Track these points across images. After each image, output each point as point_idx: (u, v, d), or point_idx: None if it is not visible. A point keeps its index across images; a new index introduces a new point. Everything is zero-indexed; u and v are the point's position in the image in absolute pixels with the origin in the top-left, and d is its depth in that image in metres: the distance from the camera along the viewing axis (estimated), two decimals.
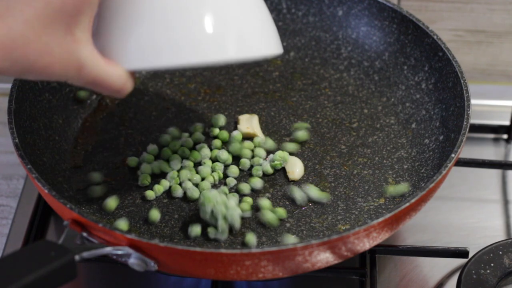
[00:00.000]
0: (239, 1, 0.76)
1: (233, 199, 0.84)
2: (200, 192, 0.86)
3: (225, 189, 0.87)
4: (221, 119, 0.94)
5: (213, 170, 0.89)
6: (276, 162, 0.89)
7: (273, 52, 0.78)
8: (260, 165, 0.90)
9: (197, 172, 0.89)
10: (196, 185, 0.88)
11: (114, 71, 0.72)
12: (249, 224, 0.85)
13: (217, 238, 0.82)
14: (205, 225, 0.83)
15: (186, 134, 0.93)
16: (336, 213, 0.86)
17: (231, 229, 0.83)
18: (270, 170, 0.89)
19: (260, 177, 0.88)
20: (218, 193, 0.82)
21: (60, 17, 0.66)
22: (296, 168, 0.90)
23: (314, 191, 0.86)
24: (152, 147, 0.91)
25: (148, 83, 0.99)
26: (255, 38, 0.76)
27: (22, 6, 0.65)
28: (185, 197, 0.87)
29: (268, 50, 0.77)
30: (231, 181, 0.88)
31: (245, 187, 0.87)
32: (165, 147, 0.91)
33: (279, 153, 0.90)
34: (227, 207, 0.81)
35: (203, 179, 0.88)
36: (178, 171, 0.89)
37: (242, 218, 0.84)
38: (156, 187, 0.87)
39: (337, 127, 0.95)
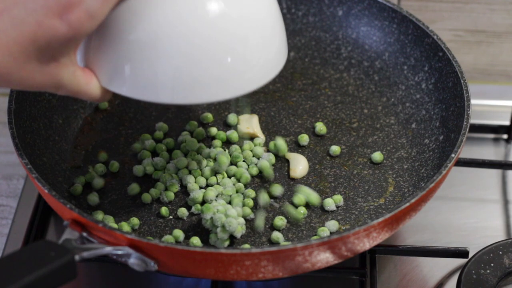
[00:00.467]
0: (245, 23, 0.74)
1: (236, 208, 0.84)
2: (202, 198, 0.86)
3: (228, 191, 0.87)
4: (233, 118, 0.94)
5: (216, 172, 0.89)
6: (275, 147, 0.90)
7: (277, 71, 0.77)
8: (256, 164, 0.90)
9: (201, 174, 0.89)
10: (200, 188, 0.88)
11: (92, 89, 0.73)
12: (249, 224, 0.85)
13: (216, 245, 0.82)
14: (206, 233, 0.83)
15: (186, 133, 0.93)
16: (336, 213, 0.86)
17: (232, 237, 0.83)
18: (266, 167, 0.89)
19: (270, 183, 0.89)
20: (220, 203, 0.82)
21: (45, 51, 0.67)
22: (299, 165, 0.90)
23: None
24: (148, 143, 0.91)
25: None
26: (241, 74, 0.74)
27: (8, 41, 0.66)
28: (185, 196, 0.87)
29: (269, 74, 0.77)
30: (241, 188, 0.88)
31: (251, 193, 0.87)
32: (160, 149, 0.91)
33: (278, 141, 0.90)
34: (227, 215, 0.81)
35: (208, 185, 0.88)
36: (177, 173, 0.89)
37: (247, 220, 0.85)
38: (153, 191, 0.87)
39: (337, 127, 0.95)
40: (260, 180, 0.89)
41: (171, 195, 0.86)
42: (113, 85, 0.73)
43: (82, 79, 0.72)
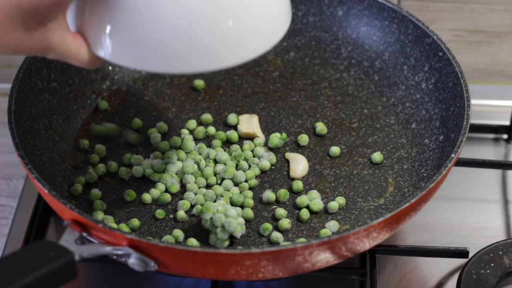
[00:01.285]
0: None
1: (236, 208, 0.84)
2: (202, 204, 0.86)
3: (227, 193, 0.86)
4: (233, 118, 0.94)
5: (215, 173, 0.89)
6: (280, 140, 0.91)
7: (282, 32, 0.75)
8: (257, 164, 0.90)
9: (201, 175, 0.89)
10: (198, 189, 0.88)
11: (82, 53, 0.72)
12: (249, 224, 0.85)
13: (216, 245, 0.82)
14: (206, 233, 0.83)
15: (186, 131, 0.93)
16: (336, 213, 0.86)
17: (232, 238, 0.83)
18: (267, 167, 0.89)
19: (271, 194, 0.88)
20: (220, 204, 0.82)
21: (32, 16, 0.67)
22: (299, 165, 0.90)
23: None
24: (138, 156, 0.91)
25: (148, 83, 0.99)
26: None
27: None
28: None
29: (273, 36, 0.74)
30: (247, 193, 0.88)
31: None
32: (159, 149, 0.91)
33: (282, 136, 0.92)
34: (226, 215, 0.81)
35: (208, 185, 0.88)
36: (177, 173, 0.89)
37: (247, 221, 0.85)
38: (153, 191, 0.87)
39: (337, 127, 0.95)
40: (260, 180, 0.89)
41: (165, 198, 0.86)
42: (103, 51, 0.72)
43: (72, 44, 0.71)
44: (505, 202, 0.96)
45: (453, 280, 0.85)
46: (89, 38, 0.72)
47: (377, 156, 0.90)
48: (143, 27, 0.70)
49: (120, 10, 0.70)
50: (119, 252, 0.73)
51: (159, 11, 0.70)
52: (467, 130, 0.84)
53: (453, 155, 0.81)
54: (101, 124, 0.93)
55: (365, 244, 0.77)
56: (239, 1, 0.71)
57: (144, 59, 0.71)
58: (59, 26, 0.70)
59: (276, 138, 0.92)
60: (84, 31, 0.72)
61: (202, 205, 0.85)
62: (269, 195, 0.86)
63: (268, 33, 0.73)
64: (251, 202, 0.86)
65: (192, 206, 0.86)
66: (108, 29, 0.71)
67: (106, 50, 0.72)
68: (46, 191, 0.77)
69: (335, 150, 0.91)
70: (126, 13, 0.70)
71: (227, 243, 0.82)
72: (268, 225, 0.84)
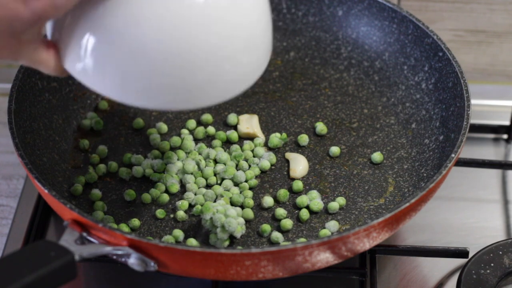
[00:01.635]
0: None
1: (236, 208, 0.84)
2: (202, 203, 0.86)
3: (227, 193, 0.86)
4: (233, 118, 0.94)
5: (215, 173, 0.89)
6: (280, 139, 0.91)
7: (263, 67, 0.76)
8: (257, 164, 0.90)
9: (201, 175, 0.89)
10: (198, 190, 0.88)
11: (51, 65, 0.72)
12: (249, 224, 0.85)
13: (216, 245, 0.82)
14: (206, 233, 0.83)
15: (186, 131, 0.93)
16: (336, 213, 0.86)
17: (232, 237, 0.83)
18: (267, 167, 0.89)
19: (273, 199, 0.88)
20: (220, 204, 0.82)
21: (7, 31, 0.67)
22: (299, 165, 0.90)
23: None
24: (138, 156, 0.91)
25: None
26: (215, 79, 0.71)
27: None
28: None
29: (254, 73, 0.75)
30: (247, 192, 0.88)
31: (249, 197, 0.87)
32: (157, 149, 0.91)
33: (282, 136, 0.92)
34: (226, 215, 0.81)
35: (208, 185, 0.88)
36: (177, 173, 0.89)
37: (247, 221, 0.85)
38: (153, 191, 0.87)
39: (337, 127, 0.95)
40: (260, 180, 0.89)
41: (164, 198, 0.86)
42: (71, 68, 0.71)
43: (43, 55, 0.71)
44: (505, 202, 0.96)
45: (453, 280, 0.85)
46: (60, 52, 0.72)
47: (377, 156, 0.90)
48: (108, 57, 0.70)
49: (87, 35, 0.70)
50: (119, 252, 0.73)
51: (128, 47, 0.69)
52: (467, 130, 0.84)
53: (453, 155, 0.81)
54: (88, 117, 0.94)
55: (365, 244, 0.77)
56: (219, 41, 0.70)
57: (107, 86, 0.71)
58: (33, 40, 0.69)
59: (276, 138, 0.92)
60: (57, 42, 0.72)
61: (202, 205, 0.85)
62: (268, 200, 0.86)
63: (250, 69, 0.74)
64: (251, 202, 0.86)
65: (192, 206, 0.86)
66: (76, 51, 0.70)
67: (72, 68, 0.71)
68: (46, 191, 0.77)
69: (335, 150, 0.91)
70: (92, 40, 0.70)
71: (227, 243, 0.82)
72: (266, 227, 0.84)
